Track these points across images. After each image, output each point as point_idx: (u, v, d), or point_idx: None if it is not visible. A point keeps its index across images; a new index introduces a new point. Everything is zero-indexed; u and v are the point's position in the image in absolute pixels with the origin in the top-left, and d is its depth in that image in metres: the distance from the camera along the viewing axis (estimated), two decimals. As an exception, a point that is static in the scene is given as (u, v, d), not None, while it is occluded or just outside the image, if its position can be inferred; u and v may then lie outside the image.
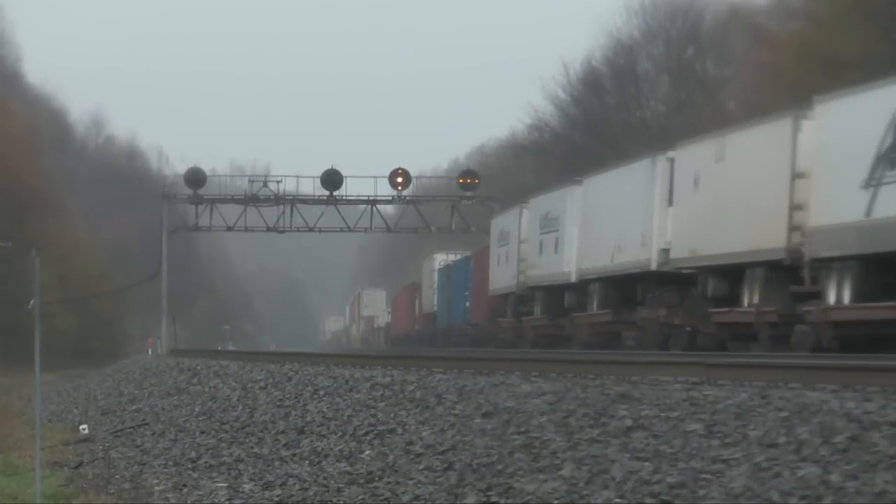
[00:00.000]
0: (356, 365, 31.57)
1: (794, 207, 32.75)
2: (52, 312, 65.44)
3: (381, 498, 15.79)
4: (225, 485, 19.41)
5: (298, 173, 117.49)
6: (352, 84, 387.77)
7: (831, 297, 30.71)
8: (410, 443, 18.19)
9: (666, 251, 39.66)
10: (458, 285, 71.57)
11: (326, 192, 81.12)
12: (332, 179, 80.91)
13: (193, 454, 23.48)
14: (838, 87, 49.13)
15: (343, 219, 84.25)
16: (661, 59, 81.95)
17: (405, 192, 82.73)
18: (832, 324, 29.74)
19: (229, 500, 18.18)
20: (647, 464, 12.89)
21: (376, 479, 16.94)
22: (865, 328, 28.14)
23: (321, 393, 25.51)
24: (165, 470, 22.36)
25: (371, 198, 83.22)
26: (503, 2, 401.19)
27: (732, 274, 35.98)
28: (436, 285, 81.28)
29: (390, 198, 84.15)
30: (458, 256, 75.25)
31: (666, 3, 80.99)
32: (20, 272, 50.91)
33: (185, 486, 20.09)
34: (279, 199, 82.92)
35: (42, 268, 18.01)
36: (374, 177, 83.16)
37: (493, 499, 13.92)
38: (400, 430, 19.31)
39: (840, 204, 30.38)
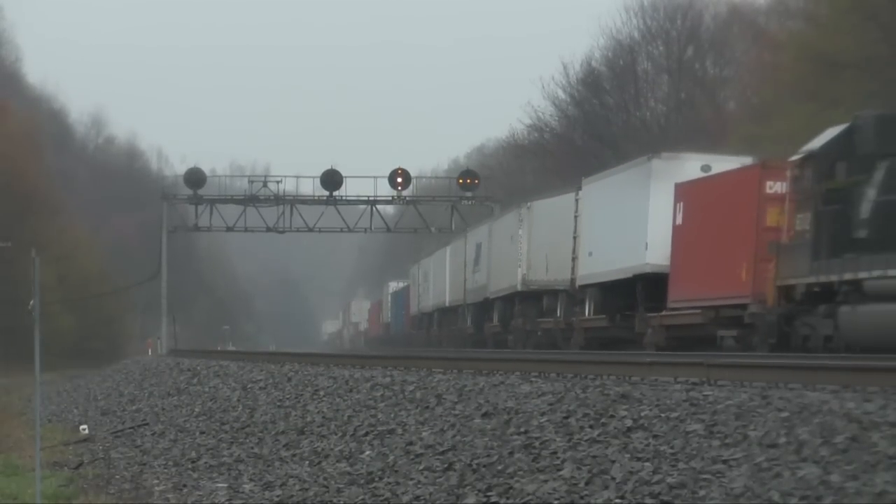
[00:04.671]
0: (356, 365, 31.59)
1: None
2: (52, 312, 65.38)
3: (382, 498, 15.80)
4: (225, 485, 19.43)
5: (298, 173, 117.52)
6: (351, 82, 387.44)
7: (467, 322, 64.65)
8: (410, 443, 18.20)
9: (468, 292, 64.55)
10: (400, 305, 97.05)
11: (326, 193, 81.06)
12: (331, 179, 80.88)
13: (193, 454, 23.49)
14: (838, 86, 49.13)
15: (343, 219, 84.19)
16: (661, 59, 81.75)
17: (405, 193, 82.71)
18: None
19: (229, 500, 18.20)
20: (647, 464, 12.90)
21: (376, 479, 16.95)
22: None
23: (321, 393, 25.52)
24: (165, 470, 22.38)
25: (371, 198, 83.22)
26: (502, 2, 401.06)
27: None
28: (390, 304, 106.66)
29: (390, 198, 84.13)
30: (403, 285, 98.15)
31: (665, 4, 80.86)
32: (20, 272, 50.87)
33: (185, 486, 20.11)
34: (279, 200, 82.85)
35: (42, 268, 18.02)
36: (374, 177, 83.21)
37: (494, 499, 13.93)
38: (400, 431, 19.32)
39: (470, 279, 63.43)
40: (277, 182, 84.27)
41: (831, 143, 27.81)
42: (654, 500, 11.89)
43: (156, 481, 21.11)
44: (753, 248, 30.97)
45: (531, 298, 50.88)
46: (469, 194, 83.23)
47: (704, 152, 40.37)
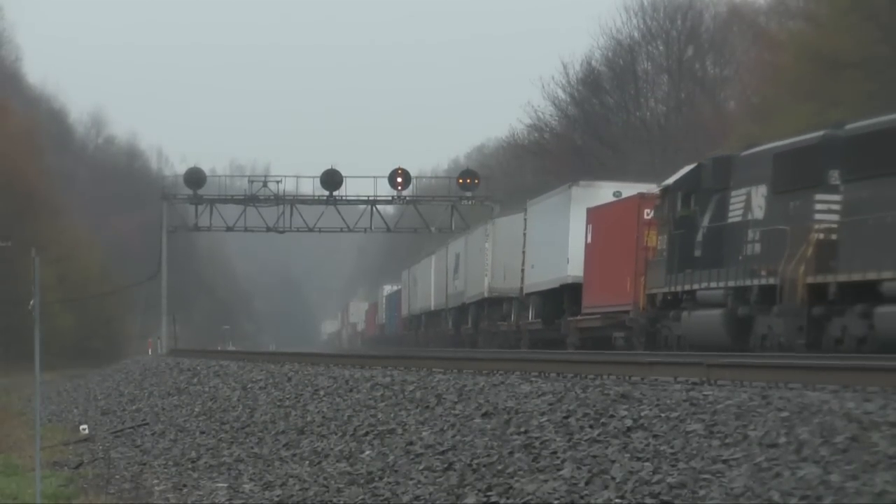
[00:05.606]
0: (356, 365, 31.57)
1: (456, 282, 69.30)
2: (52, 312, 65.33)
3: (382, 498, 15.80)
4: (225, 485, 19.44)
5: (298, 173, 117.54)
6: (351, 82, 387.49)
7: (449, 323, 70.16)
8: (410, 443, 18.20)
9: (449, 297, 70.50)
10: (393, 308, 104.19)
11: (326, 193, 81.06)
12: (331, 179, 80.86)
13: (193, 454, 23.49)
14: (838, 86, 49.08)
15: (343, 219, 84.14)
16: (661, 59, 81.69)
17: (405, 193, 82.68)
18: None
19: (229, 500, 18.20)
20: (647, 464, 12.90)
21: (376, 479, 16.95)
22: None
23: (321, 393, 25.51)
24: (165, 470, 22.38)
25: (371, 198, 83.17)
26: (502, 2, 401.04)
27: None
28: (385, 306, 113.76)
29: (390, 198, 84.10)
30: (396, 288, 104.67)
31: (665, 4, 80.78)
32: (20, 272, 50.87)
33: (185, 486, 20.11)
34: (279, 200, 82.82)
35: (42, 268, 18.01)
36: (374, 177, 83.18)
37: (494, 499, 13.93)
38: (400, 431, 19.32)
39: (450, 285, 69.03)
40: (277, 182, 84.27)
41: (682, 180, 34.08)
42: (654, 500, 11.90)
43: (156, 481, 21.11)
44: (634, 263, 37.30)
45: (496, 304, 58.11)
46: (469, 194, 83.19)
47: (617, 180, 47.47)
